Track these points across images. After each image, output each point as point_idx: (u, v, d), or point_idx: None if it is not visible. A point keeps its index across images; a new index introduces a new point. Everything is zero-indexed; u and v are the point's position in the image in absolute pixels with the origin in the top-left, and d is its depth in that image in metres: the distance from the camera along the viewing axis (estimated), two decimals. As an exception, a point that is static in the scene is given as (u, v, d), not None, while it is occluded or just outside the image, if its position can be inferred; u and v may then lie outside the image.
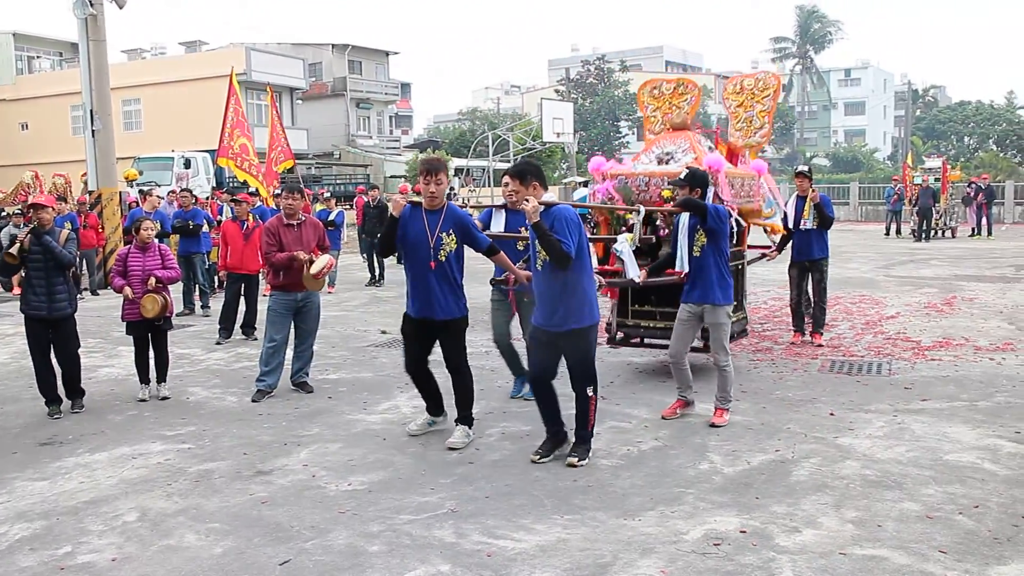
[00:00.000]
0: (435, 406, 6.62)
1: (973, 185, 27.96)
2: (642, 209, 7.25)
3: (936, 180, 27.18)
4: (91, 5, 16.15)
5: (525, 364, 7.21)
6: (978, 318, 11.30)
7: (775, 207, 9.24)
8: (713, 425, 6.53)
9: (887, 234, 27.91)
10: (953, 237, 26.45)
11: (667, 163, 8.08)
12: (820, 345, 9.52)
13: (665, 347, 7.65)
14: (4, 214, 17.24)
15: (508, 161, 32.75)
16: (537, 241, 5.52)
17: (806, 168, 10.14)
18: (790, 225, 9.60)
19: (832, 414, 6.85)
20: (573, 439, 5.89)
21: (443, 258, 6.00)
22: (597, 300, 5.74)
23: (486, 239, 6.28)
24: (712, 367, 7.24)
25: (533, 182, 5.66)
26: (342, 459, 5.98)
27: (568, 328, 5.59)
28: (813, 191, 9.53)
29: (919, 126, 64.46)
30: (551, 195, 5.58)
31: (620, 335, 8.46)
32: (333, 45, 50.57)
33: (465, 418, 6.39)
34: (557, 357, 5.76)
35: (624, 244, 7.13)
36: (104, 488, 5.50)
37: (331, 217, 15.18)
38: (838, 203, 36.81)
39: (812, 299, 9.87)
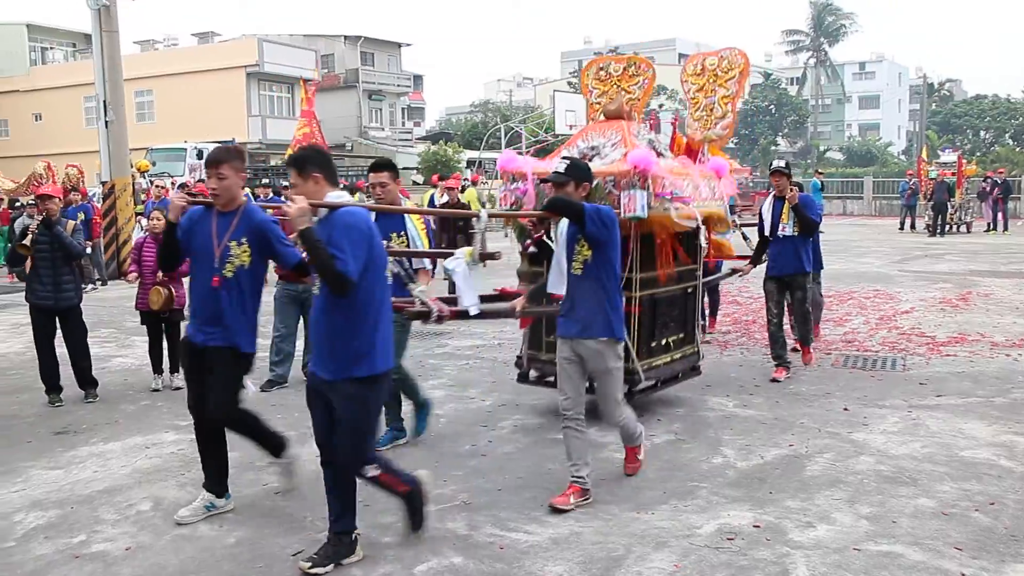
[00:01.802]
0: (215, 479, 4.92)
1: (989, 180, 27.72)
2: (483, 214, 5.03)
3: (951, 175, 27.00)
4: (105, -4, 16.16)
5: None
6: (994, 314, 11.22)
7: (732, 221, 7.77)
8: (627, 474, 5.40)
9: (901, 229, 27.75)
10: (968, 232, 26.27)
11: (591, 160, 6.31)
12: (809, 363, 8.29)
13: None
14: (18, 204, 17.31)
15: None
16: (307, 254, 4.09)
17: (783, 163, 8.20)
18: (766, 231, 8.06)
19: (846, 409, 6.81)
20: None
21: (230, 273, 4.62)
22: (391, 339, 4.21)
23: (295, 254, 4.73)
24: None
25: (314, 173, 4.16)
26: (354, 450, 5.97)
27: (334, 378, 4.08)
28: (792, 191, 7.79)
29: (934, 120, 64.06)
30: (339, 193, 4.21)
31: (534, 373, 6.84)
32: (345, 37, 50.57)
33: (216, 485, 4.89)
34: (330, 418, 4.20)
35: (459, 262, 5.10)
36: (118, 477, 5.52)
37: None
38: (851, 197, 36.81)
39: (795, 322, 8.39)
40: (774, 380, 7.71)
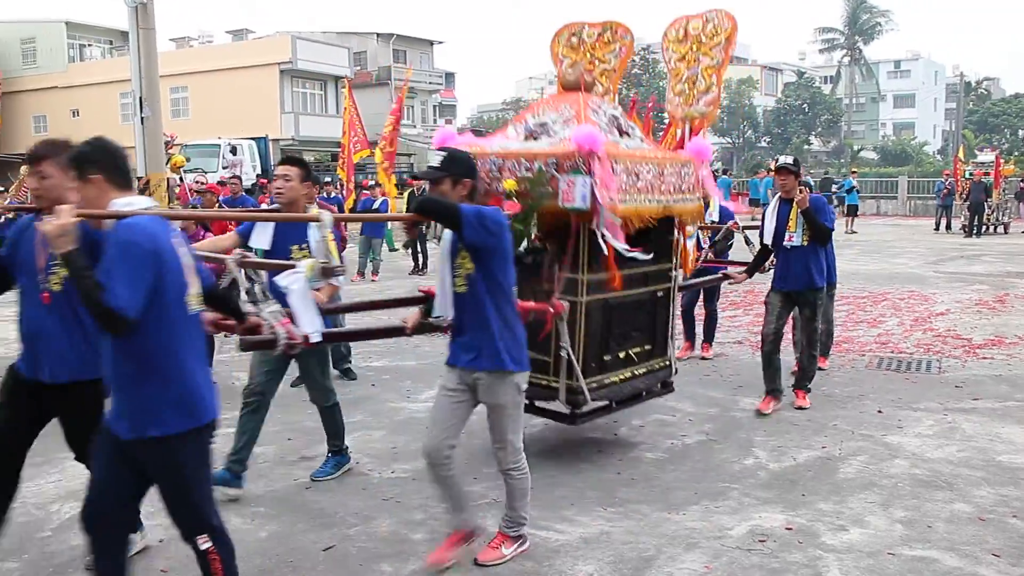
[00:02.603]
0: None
1: (1027, 180, 27.30)
2: (325, 217, 3.93)
3: (988, 175, 26.60)
4: (142, -7, 16.34)
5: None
6: (1031, 316, 11.04)
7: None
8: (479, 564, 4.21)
9: (937, 229, 27.38)
10: (1005, 233, 25.86)
11: (537, 138, 5.39)
12: (802, 407, 6.82)
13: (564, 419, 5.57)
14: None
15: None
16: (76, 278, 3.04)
17: (791, 160, 6.94)
18: (767, 239, 6.90)
19: (880, 411, 6.74)
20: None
21: (58, 287, 3.81)
22: (209, 389, 3.31)
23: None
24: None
25: (93, 175, 3.21)
26: (386, 446, 6.00)
27: (136, 436, 3.17)
28: (802, 192, 6.65)
29: (971, 119, 63.12)
30: (129, 200, 3.24)
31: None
32: (378, 34, 50.75)
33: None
34: (128, 481, 3.33)
35: (296, 278, 3.95)
36: (152, 470, 5.57)
37: (375, 206, 15.28)
38: (886, 197, 36.35)
39: (800, 343, 7.04)
40: (759, 413, 6.67)
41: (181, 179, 16.74)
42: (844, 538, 4.47)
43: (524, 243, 4.99)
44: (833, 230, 6.92)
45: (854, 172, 30.41)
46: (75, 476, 5.44)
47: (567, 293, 5.17)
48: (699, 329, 8.88)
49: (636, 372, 5.75)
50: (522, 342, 4.13)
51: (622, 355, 5.64)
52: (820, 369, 7.59)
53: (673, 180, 5.60)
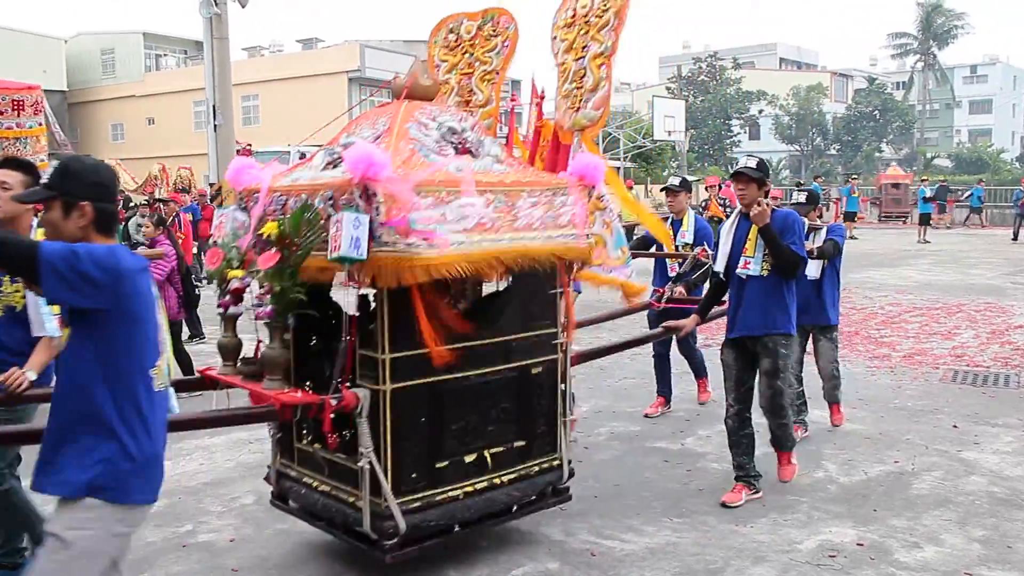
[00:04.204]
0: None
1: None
2: None
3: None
4: (215, 4, 16.77)
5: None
6: (1116, 330, 10.64)
7: (620, 251, 5.07)
8: None
9: (1015, 239, 26.54)
10: (1087, 243, 24.97)
11: (336, 166, 3.98)
12: (788, 476, 5.39)
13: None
14: (132, 204, 18.07)
15: (618, 159, 32.48)
16: None
17: (753, 164, 5.08)
18: (718, 266, 5.28)
19: (955, 426, 6.55)
20: None
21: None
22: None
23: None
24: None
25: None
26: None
27: None
28: (760, 206, 4.88)
29: (1051, 126, 61.15)
30: None
31: (276, 490, 4.47)
32: (444, 42, 51.26)
33: None
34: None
35: None
36: (222, 470, 5.70)
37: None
38: (961, 205, 35.39)
39: (763, 408, 5.26)
40: (724, 505, 5.01)
41: None
42: (918, 556, 4.35)
43: (290, 309, 3.79)
44: (807, 259, 5.34)
45: (924, 180, 29.73)
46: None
47: (366, 379, 3.81)
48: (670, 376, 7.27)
49: (497, 480, 4.18)
50: (133, 453, 2.68)
51: (470, 459, 4.09)
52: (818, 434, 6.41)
53: (538, 212, 4.08)
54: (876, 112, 57.16)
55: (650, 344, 6.74)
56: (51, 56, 41.25)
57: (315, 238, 3.65)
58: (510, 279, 4.14)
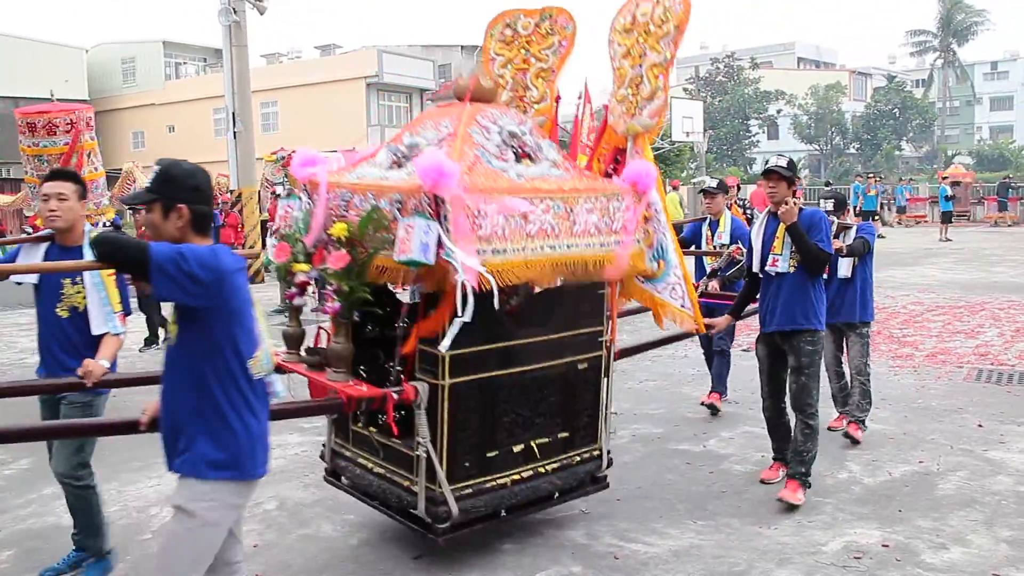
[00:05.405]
0: None
1: None
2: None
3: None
4: (235, 12, 16.89)
5: None
6: None
7: (664, 261, 4.70)
8: None
9: (1037, 236, 26.34)
10: (1112, 240, 24.71)
11: (401, 166, 4.25)
12: (795, 505, 4.97)
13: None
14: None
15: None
16: None
17: (783, 163, 5.26)
18: (753, 265, 5.40)
19: (980, 426, 6.50)
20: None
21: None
22: None
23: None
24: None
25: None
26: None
27: None
28: (788, 204, 5.08)
29: (1075, 121, 60.51)
30: None
31: (329, 468, 4.80)
32: (462, 46, 51.26)
33: None
34: None
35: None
36: (247, 476, 5.72)
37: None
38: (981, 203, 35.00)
39: (791, 406, 5.34)
40: (762, 482, 5.42)
41: (275, 194, 17.12)
42: (945, 557, 4.32)
43: (357, 307, 4.03)
44: (832, 255, 5.41)
45: (945, 178, 29.44)
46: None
47: (426, 373, 4.03)
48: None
49: (542, 469, 4.41)
50: (244, 435, 3.01)
51: (518, 449, 4.31)
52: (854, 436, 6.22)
53: (593, 219, 4.25)
54: (896, 110, 56.74)
55: (674, 344, 6.66)
56: (73, 66, 41.69)
57: (382, 240, 3.87)
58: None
